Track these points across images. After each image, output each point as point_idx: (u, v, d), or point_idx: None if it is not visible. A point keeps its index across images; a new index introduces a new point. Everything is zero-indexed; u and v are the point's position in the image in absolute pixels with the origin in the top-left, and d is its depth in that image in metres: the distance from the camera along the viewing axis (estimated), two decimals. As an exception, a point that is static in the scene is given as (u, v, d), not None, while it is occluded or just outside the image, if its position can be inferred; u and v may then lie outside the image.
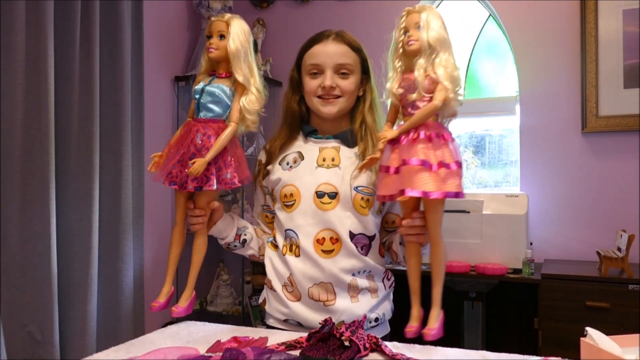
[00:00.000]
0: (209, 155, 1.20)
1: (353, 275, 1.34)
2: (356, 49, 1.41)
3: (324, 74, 1.37)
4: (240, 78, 1.26)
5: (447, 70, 1.10)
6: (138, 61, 2.60)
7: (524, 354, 1.12)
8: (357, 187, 1.34)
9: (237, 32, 1.27)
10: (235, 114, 1.26)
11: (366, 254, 1.36)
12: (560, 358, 1.03)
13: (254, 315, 2.92)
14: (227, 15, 1.31)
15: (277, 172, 1.42)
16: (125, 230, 2.47)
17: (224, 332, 1.30)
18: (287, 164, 1.42)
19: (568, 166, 2.58)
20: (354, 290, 1.35)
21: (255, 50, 3.03)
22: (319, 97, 1.38)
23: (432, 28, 1.10)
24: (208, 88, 1.26)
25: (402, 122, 1.17)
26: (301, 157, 1.41)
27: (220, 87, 1.26)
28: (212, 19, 1.31)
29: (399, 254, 1.36)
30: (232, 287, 3.09)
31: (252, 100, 1.28)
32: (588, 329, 0.98)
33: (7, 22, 1.99)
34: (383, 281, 1.41)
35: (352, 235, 1.34)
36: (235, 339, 1.17)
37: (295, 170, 1.39)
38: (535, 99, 2.65)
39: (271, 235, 1.46)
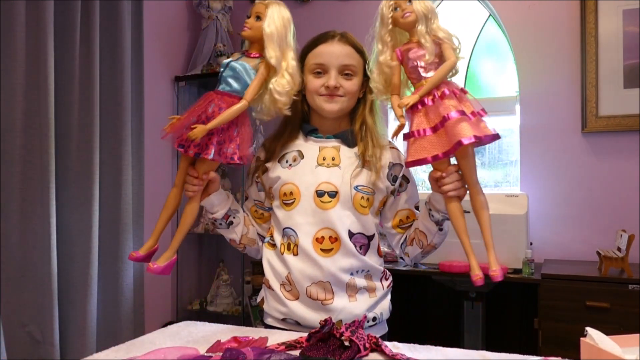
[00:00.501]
0: (210, 124, 1.22)
1: (351, 274, 1.35)
2: (360, 51, 1.42)
3: (327, 73, 1.38)
4: (271, 60, 1.26)
5: (446, 32, 1.18)
6: (138, 61, 2.60)
7: (524, 354, 1.12)
8: (357, 187, 1.35)
9: (274, 16, 1.27)
10: (251, 92, 1.26)
11: (365, 254, 1.36)
12: (560, 358, 1.03)
13: (254, 315, 2.92)
14: (268, 1, 1.30)
15: (277, 170, 1.41)
16: (125, 230, 2.47)
17: (224, 332, 1.30)
18: (287, 162, 1.41)
19: (568, 166, 2.58)
20: (352, 290, 1.35)
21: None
22: (322, 95, 1.38)
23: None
24: (233, 63, 1.28)
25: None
26: (301, 155, 1.41)
27: (243, 65, 1.28)
28: (256, 1, 1.32)
29: (430, 230, 1.33)
30: (232, 287, 3.09)
31: (281, 83, 1.28)
32: (588, 329, 0.98)
33: (7, 22, 2.00)
34: (381, 281, 1.41)
35: (351, 235, 1.34)
36: (235, 339, 1.17)
37: (295, 169, 1.39)
38: (535, 99, 2.65)
39: (268, 234, 1.46)
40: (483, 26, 2.91)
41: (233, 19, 3.24)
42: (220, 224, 1.44)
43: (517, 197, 2.40)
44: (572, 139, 2.58)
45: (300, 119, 1.45)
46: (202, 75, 3.00)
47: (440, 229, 1.33)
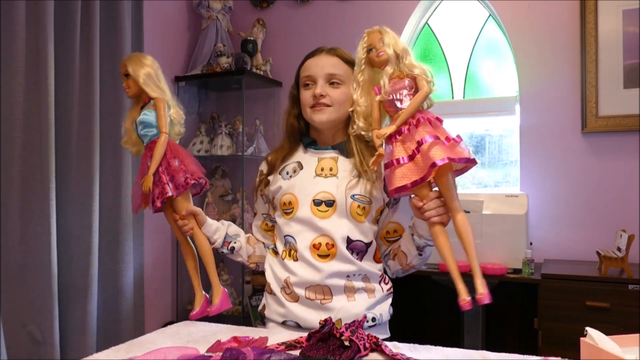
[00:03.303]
0: (151, 169, 1.34)
1: (348, 277, 1.37)
2: (348, 62, 1.45)
3: (316, 84, 1.42)
4: (157, 95, 1.39)
5: (420, 67, 1.23)
6: (138, 61, 2.60)
7: (524, 353, 1.12)
8: (353, 195, 1.38)
9: (136, 67, 1.39)
10: (163, 124, 1.38)
11: (361, 259, 1.39)
12: (560, 358, 1.03)
13: (254, 315, 2.92)
14: (123, 59, 1.44)
15: (278, 181, 1.46)
16: (125, 230, 2.47)
17: (224, 332, 1.30)
18: (287, 173, 1.46)
19: (568, 166, 2.58)
20: (349, 291, 1.38)
21: (254, 50, 3.04)
22: (312, 106, 1.42)
23: (393, 40, 1.26)
24: (137, 120, 1.40)
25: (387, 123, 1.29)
26: (300, 166, 1.46)
27: (145, 113, 1.40)
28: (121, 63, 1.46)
29: (410, 252, 1.37)
30: (232, 287, 3.09)
31: (176, 112, 1.42)
32: (588, 329, 0.98)
33: (7, 22, 2.00)
34: (380, 284, 1.43)
35: (350, 241, 1.37)
36: (235, 338, 1.17)
37: (295, 180, 1.44)
38: (535, 99, 2.65)
39: (272, 242, 1.51)
40: (483, 26, 2.91)
41: (233, 19, 3.24)
42: (223, 252, 1.51)
43: (517, 197, 2.40)
44: (572, 139, 2.58)
45: (299, 134, 1.51)
46: (202, 75, 3.00)
47: (420, 254, 1.36)
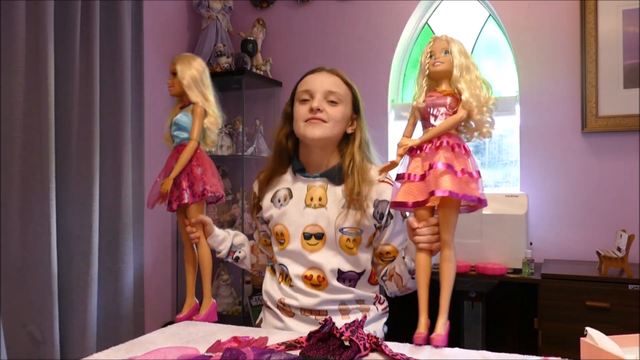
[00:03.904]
0: (173, 174, 1.37)
1: (342, 303, 1.40)
2: (348, 84, 1.44)
3: (313, 98, 1.39)
4: (198, 100, 1.42)
5: (471, 89, 1.17)
6: (138, 61, 2.60)
7: (524, 354, 1.11)
8: (342, 229, 1.37)
9: (184, 68, 1.42)
10: (193, 132, 1.40)
11: (354, 286, 1.41)
12: (560, 358, 1.03)
13: (254, 316, 2.92)
14: (175, 57, 1.47)
15: (270, 209, 1.47)
16: (125, 230, 2.47)
17: (224, 332, 1.30)
18: (279, 201, 1.46)
19: (568, 166, 2.58)
20: (344, 312, 1.40)
21: (254, 50, 3.04)
22: (306, 120, 1.39)
23: (457, 52, 1.19)
24: (174, 119, 1.42)
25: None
26: (290, 195, 1.45)
27: (182, 115, 1.42)
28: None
29: (404, 275, 1.36)
30: (232, 287, 3.09)
31: (211, 121, 1.43)
32: (588, 328, 0.98)
33: (7, 22, 1.99)
34: (375, 304, 1.44)
35: (341, 273, 1.39)
36: (235, 339, 1.17)
37: (285, 209, 1.44)
38: (535, 99, 2.65)
39: (271, 260, 1.52)
40: (483, 26, 2.91)
41: (233, 19, 3.24)
42: (228, 260, 1.55)
43: (517, 197, 2.40)
44: (572, 139, 2.58)
45: (287, 154, 1.48)
46: (202, 75, 2.99)
47: (413, 277, 1.34)
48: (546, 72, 2.63)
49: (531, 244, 2.41)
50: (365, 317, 1.33)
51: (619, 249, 2.16)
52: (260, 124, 3.06)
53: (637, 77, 2.44)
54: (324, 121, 1.37)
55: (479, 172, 1.15)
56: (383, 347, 1.10)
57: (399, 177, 1.19)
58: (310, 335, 1.12)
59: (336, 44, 3.00)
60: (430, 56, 1.21)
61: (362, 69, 2.90)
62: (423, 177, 1.14)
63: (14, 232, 2.03)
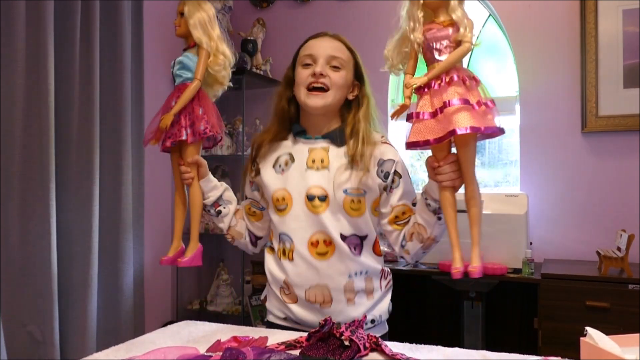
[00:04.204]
0: (174, 109, 1.33)
1: (349, 277, 1.35)
2: (350, 49, 1.43)
3: (316, 63, 1.38)
4: (202, 44, 1.38)
5: (468, 20, 1.14)
6: (138, 61, 2.60)
7: (524, 354, 1.12)
8: (345, 190, 1.34)
9: (192, 8, 1.41)
10: (199, 71, 1.37)
11: (360, 254, 1.37)
12: (560, 358, 1.03)
13: (254, 315, 2.92)
14: None
15: (270, 175, 1.43)
16: (125, 230, 2.47)
17: (224, 332, 1.30)
18: (280, 166, 1.43)
19: (568, 166, 2.58)
20: (350, 293, 1.35)
21: (254, 50, 3.04)
22: (308, 89, 1.37)
23: None
24: (178, 59, 1.40)
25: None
26: (292, 159, 1.43)
27: (186, 56, 1.39)
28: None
29: (428, 221, 1.31)
30: (232, 287, 3.09)
31: (217, 61, 1.39)
32: (588, 328, 0.98)
33: (7, 22, 1.99)
34: (380, 281, 1.41)
35: (344, 237, 1.35)
36: (235, 338, 1.17)
37: (287, 174, 1.41)
38: (535, 99, 2.65)
39: (269, 239, 1.49)
40: (483, 26, 2.91)
41: (233, 18, 3.24)
42: (209, 211, 1.49)
43: (517, 197, 2.40)
44: (572, 139, 2.58)
45: (289, 118, 1.46)
46: (202, 75, 2.99)
47: (439, 218, 1.30)
48: (546, 72, 2.63)
49: (531, 243, 2.41)
50: (365, 316, 1.32)
51: (619, 249, 2.16)
52: (260, 124, 3.06)
53: (637, 77, 2.44)
54: (326, 87, 1.36)
55: (493, 101, 1.12)
56: (383, 346, 1.10)
57: (409, 117, 1.16)
58: (310, 335, 1.12)
59: (336, 44, 3.00)
60: None
61: (362, 69, 2.90)
62: (434, 115, 1.11)
63: (14, 232, 2.03)
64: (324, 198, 1.35)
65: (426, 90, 1.14)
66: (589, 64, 2.51)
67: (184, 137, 1.34)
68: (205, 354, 1.09)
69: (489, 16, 2.88)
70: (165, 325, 1.51)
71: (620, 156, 2.49)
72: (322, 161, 1.39)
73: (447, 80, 1.11)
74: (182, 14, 1.42)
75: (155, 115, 1.41)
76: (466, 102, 1.09)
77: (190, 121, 1.35)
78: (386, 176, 1.37)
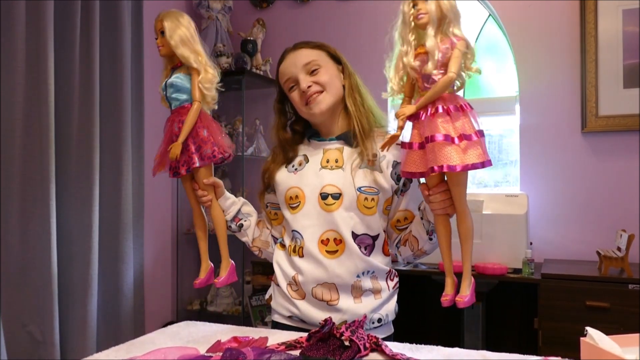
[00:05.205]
0: (181, 137, 1.31)
1: (357, 276, 1.36)
2: (316, 47, 1.45)
3: (298, 82, 1.41)
4: (190, 62, 1.34)
5: (462, 42, 1.11)
6: (138, 61, 2.60)
7: (524, 353, 1.12)
8: (360, 188, 1.35)
9: (172, 26, 1.35)
10: (195, 93, 1.34)
11: (369, 254, 1.37)
12: (560, 358, 1.03)
13: (254, 315, 2.92)
14: (161, 13, 1.38)
15: (283, 174, 1.45)
16: (125, 230, 2.47)
17: (224, 332, 1.30)
18: (293, 166, 1.45)
19: (568, 166, 2.58)
20: (357, 291, 1.36)
21: (254, 50, 3.04)
22: (306, 104, 1.41)
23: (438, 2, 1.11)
24: (169, 81, 1.36)
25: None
26: (306, 159, 1.45)
27: (178, 77, 1.35)
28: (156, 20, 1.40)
29: (421, 237, 1.34)
30: (232, 287, 3.09)
31: (207, 78, 1.36)
32: (588, 328, 0.98)
33: (7, 22, 2.00)
34: (387, 281, 1.42)
35: (355, 236, 1.36)
36: (235, 339, 1.17)
37: (300, 173, 1.43)
38: (535, 99, 2.65)
39: (280, 236, 1.50)
40: (483, 26, 2.91)
41: (233, 19, 3.24)
42: (230, 227, 1.50)
43: (517, 197, 2.40)
44: (572, 139, 2.58)
45: (292, 140, 1.50)
46: (202, 75, 2.99)
47: (430, 239, 1.34)
48: (546, 72, 2.63)
49: (531, 243, 2.41)
50: (365, 316, 1.32)
51: (619, 249, 2.16)
52: (260, 124, 3.07)
53: (637, 77, 2.44)
54: (320, 91, 1.39)
55: (479, 132, 1.09)
56: (383, 347, 1.10)
57: (403, 145, 1.16)
58: (310, 335, 1.12)
59: (336, 44, 2.97)
60: (414, 6, 1.12)
61: (361, 69, 2.90)
62: (421, 147, 1.11)
63: (14, 232, 2.03)
64: (337, 196, 1.36)
65: (417, 119, 1.12)
66: (589, 64, 2.51)
67: (196, 164, 1.33)
68: (206, 354, 1.09)
69: (488, 16, 2.88)
70: (165, 325, 1.50)
71: (620, 156, 2.49)
72: (336, 161, 1.41)
73: (432, 111, 1.09)
74: (162, 32, 1.35)
75: (161, 142, 1.39)
76: (446, 137, 1.06)
77: (196, 145, 1.34)
78: (399, 179, 1.39)
